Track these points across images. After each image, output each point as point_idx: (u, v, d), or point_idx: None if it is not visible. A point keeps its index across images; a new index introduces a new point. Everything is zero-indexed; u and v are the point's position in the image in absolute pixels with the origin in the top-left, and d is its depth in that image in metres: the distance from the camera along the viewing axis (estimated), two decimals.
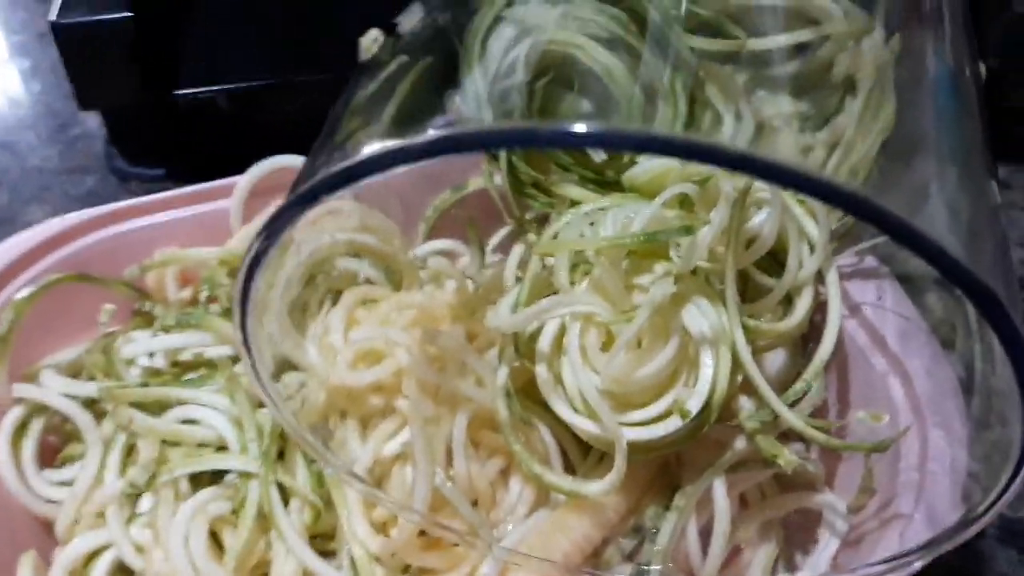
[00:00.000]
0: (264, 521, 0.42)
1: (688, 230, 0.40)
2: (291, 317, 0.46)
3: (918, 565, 0.36)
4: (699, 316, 0.40)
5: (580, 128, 0.22)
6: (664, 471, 0.44)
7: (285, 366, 0.46)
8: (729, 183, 0.41)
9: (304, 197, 0.27)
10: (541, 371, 0.42)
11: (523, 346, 0.43)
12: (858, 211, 0.21)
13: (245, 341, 0.33)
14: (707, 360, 0.40)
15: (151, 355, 0.47)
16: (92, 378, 0.46)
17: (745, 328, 0.41)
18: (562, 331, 0.42)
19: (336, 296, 0.49)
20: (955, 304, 0.44)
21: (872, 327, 0.45)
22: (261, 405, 0.45)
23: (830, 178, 0.20)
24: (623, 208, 0.43)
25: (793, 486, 0.46)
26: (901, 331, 0.45)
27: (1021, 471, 0.28)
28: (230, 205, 0.53)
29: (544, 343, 0.42)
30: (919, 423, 0.41)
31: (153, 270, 0.50)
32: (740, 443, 0.42)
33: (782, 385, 0.43)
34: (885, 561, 0.37)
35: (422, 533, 0.43)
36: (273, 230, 0.29)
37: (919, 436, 0.41)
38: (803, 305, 0.43)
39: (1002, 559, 0.47)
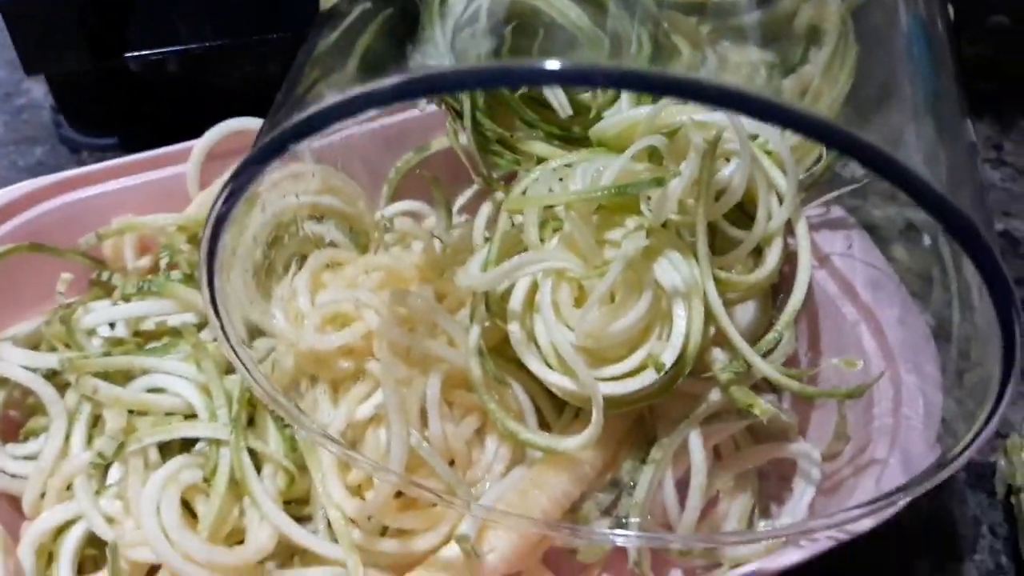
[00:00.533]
0: (237, 488, 0.41)
1: (659, 182, 0.40)
2: (256, 281, 0.45)
3: (893, 510, 0.37)
4: (671, 269, 0.40)
5: (555, 65, 0.21)
6: (639, 425, 0.44)
7: (254, 332, 0.45)
8: (699, 135, 0.40)
9: (270, 146, 0.26)
10: (514, 329, 0.41)
11: (495, 305, 0.42)
12: (842, 144, 0.21)
13: (213, 301, 0.32)
14: (680, 313, 0.40)
15: (112, 325, 0.46)
16: (52, 350, 0.45)
17: (717, 280, 0.41)
18: (534, 288, 0.42)
19: (301, 261, 0.48)
20: (926, 253, 0.44)
21: (842, 277, 0.46)
22: (229, 371, 0.44)
23: (816, 111, 0.20)
24: (592, 163, 0.43)
25: (767, 437, 0.46)
26: (871, 280, 0.45)
27: (999, 408, 0.28)
28: (186, 170, 0.51)
29: (516, 301, 0.42)
30: (892, 370, 0.42)
31: (110, 238, 0.49)
32: (714, 395, 0.42)
33: (753, 336, 0.43)
34: (861, 506, 0.37)
35: (399, 495, 0.42)
36: (238, 185, 0.28)
37: (892, 382, 0.42)
38: (773, 256, 0.43)
39: (973, 503, 0.48)
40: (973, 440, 0.29)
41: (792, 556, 0.38)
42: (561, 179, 0.43)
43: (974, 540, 0.47)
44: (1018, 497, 0.46)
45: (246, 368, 0.35)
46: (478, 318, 0.42)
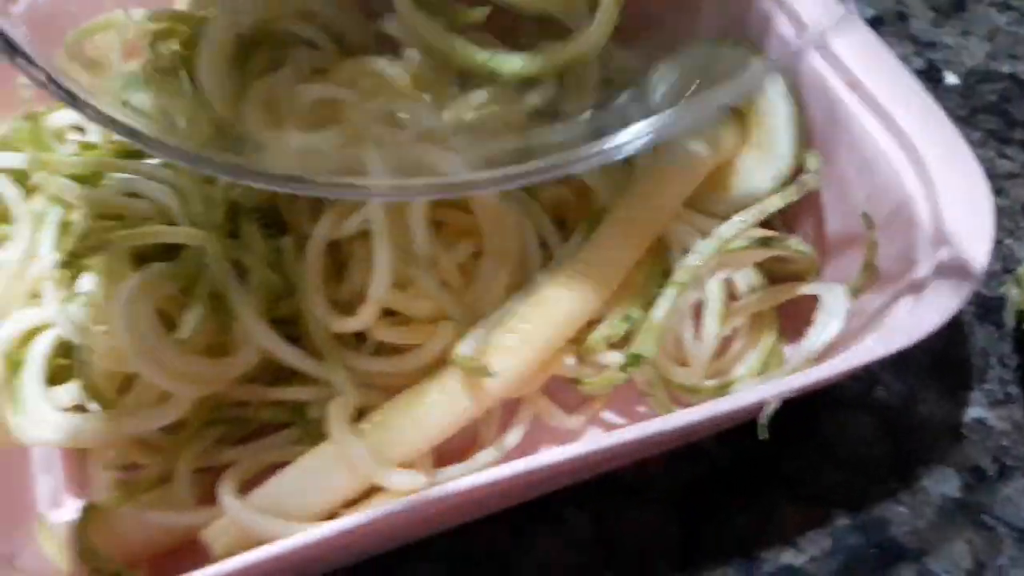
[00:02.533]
0: (218, 302, 0.39)
1: None
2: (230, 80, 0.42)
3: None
4: None
5: None
6: (654, 255, 0.41)
7: (227, 130, 0.42)
8: None
9: None
10: None
11: None
12: None
13: None
14: None
15: (82, 130, 0.43)
16: (17, 152, 0.42)
17: None
18: None
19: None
20: None
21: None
22: (210, 179, 0.41)
23: None
24: None
25: (783, 279, 0.44)
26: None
27: None
28: None
29: None
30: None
31: (92, 36, 0.44)
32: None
33: None
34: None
35: (388, 313, 0.40)
36: None
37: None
38: None
39: (980, 335, 0.46)
40: None
41: (797, 382, 0.35)
42: None
43: (983, 371, 0.45)
44: None
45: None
46: None
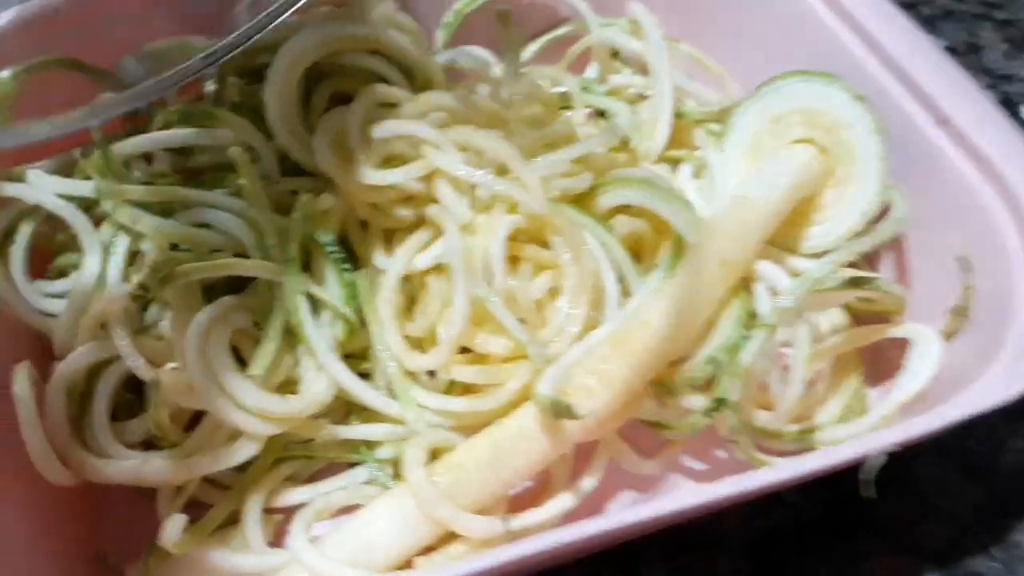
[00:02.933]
0: (291, 336, 0.38)
1: None
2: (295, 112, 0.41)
3: None
4: None
5: None
6: (739, 293, 0.40)
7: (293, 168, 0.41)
8: None
9: None
10: None
11: None
12: None
13: None
14: None
15: (150, 160, 0.42)
16: (87, 179, 0.41)
17: None
18: None
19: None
20: None
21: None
22: (282, 209, 0.40)
23: None
24: None
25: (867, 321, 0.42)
26: None
27: None
28: None
29: None
30: None
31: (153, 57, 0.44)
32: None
33: None
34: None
35: (464, 350, 0.38)
36: None
37: None
38: None
39: None
40: None
41: (897, 436, 0.33)
42: None
43: None
44: None
45: None
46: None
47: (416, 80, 0.45)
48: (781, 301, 0.37)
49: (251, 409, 0.35)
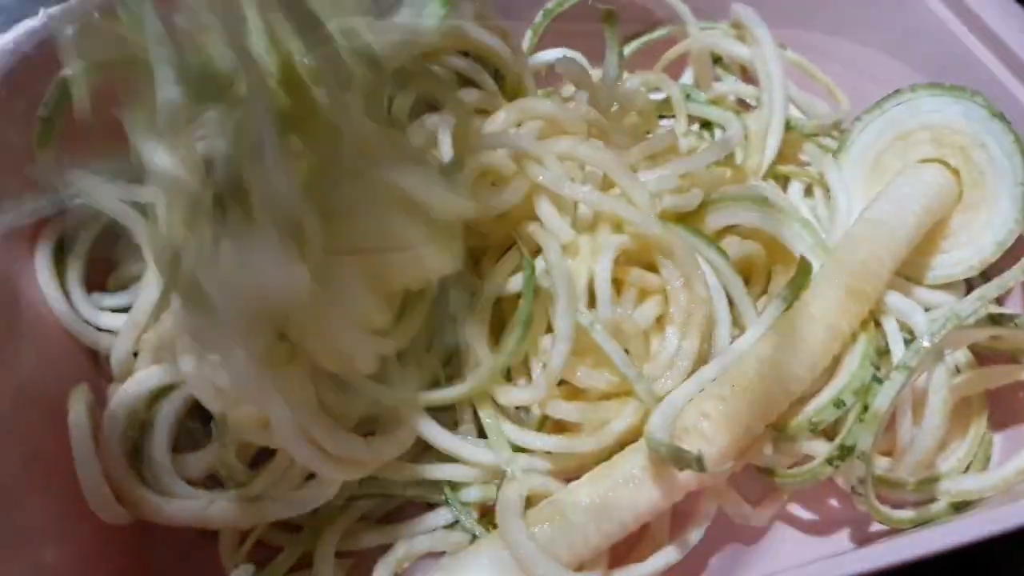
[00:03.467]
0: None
1: None
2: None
3: None
4: None
5: None
6: (866, 328, 0.36)
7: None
8: None
9: None
10: None
11: None
12: None
13: None
14: None
15: None
16: None
17: None
18: None
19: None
20: None
21: None
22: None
23: None
24: None
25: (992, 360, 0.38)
26: None
27: None
28: None
29: None
30: None
31: None
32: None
33: None
34: None
35: (562, 383, 0.35)
36: None
37: None
38: None
39: None
40: None
41: None
42: None
43: None
44: None
45: None
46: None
47: (507, 85, 0.42)
48: (923, 340, 0.33)
49: (331, 452, 0.31)
